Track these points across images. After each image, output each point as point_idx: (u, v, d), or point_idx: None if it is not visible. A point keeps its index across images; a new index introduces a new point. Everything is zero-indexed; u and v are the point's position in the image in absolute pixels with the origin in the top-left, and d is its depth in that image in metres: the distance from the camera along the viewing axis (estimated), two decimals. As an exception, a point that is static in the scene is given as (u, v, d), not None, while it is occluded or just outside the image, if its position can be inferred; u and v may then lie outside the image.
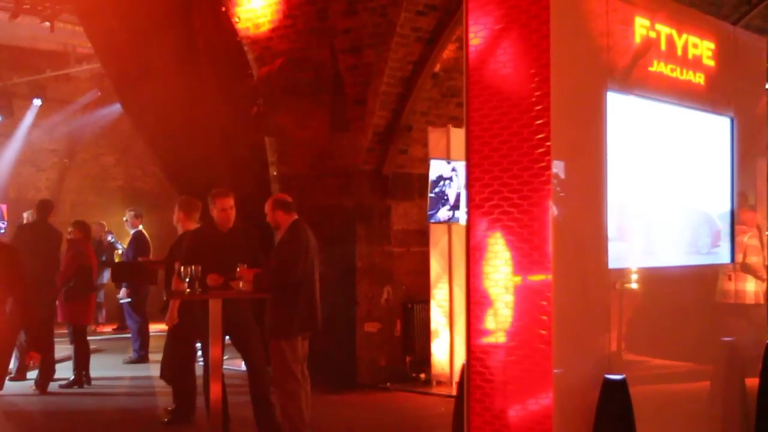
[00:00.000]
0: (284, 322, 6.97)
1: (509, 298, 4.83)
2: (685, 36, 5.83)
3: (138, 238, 12.36)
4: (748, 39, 6.75)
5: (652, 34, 5.56)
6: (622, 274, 5.26)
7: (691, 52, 5.91)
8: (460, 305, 8.99)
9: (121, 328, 14.90)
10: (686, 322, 5.88)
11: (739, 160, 6.43)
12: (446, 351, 9.76)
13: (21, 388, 9.91)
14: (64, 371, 10.28)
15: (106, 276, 14.50)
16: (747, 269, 7.30)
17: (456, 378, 6.63)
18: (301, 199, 7.97)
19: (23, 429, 8.55)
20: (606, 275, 5.12)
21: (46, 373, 9.94)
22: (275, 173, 10.77)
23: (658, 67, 5.62)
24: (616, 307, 5.22)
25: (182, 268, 6.85)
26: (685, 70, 5.86)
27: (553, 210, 4.72)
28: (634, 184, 5.43)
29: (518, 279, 4.81)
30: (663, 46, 5.65)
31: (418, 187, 10.39)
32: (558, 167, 4.75)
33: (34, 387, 9.87)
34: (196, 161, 10.97)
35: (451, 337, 9.65)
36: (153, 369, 11.07)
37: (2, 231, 15.60)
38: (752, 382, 6.36)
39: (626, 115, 5.33)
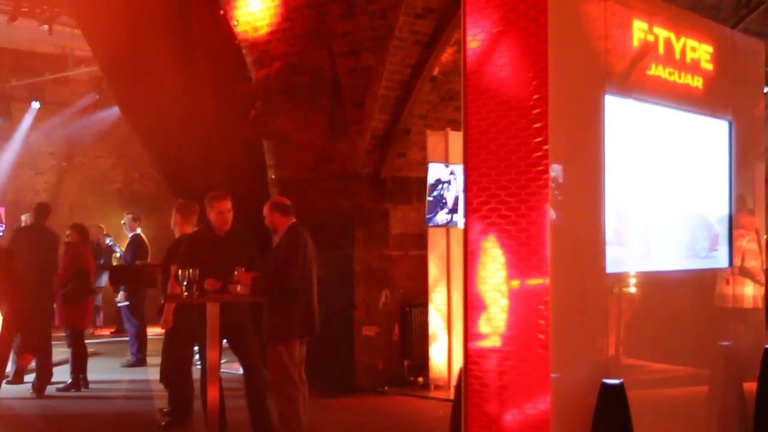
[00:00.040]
0: (282, 325, 6.96)
1: (507, 302, 4.83)
2: (683, 39, 5.83)
3: (136, 242, 12.35)
4: (746, 42, 6.75)
5: (650, 38, 5.56)
6: (619, 278, 5.25)
7: (689, 55, 5.91)
8: (459, 309, 8.97)
9: (119, 332, 14.87)
10: (684, 327, 5.87)
11: (737, 164, 6.42)
12: (444, 355, 9.74)
13: (18, 391, 9.89)
14: (62, 374, 10.26)
15: (104, 279, 14.48)
16: (745, 273, 7.29)
17: (454, 382, 6.62)
18: (300, 202, 7.94)
19: (20, 432, 8.55)
20: (604, 279, 5.11)
21: (44, 377, 9.93)
22: (273, 176, 10.76)
23: (656, 70, 5.62)
24: (614, 312, 5.21)
25: (180, 271, 6.84)
26: (683, 74, 5.85)
27: (551, 213, 4.71)
28: (632, 187, 5.43)
29: (516, 283, 4.80)
30: (661, 50, 5.65)
31: (416, 191, 10.38)
32: (556, 171, 4.74)
33: (31, 390, 9.85)
34: (194, 164, 10.96)
35: (449, 341, 9.64)
36: (151, 372, 11.05)
37: (0, 234, 15.59)
38: (750, 386, 6.35)
39: (624, 119, 5.33)
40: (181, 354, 8.25)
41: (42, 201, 12.75)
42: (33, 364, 10.17)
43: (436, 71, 10.02)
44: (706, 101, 6.09)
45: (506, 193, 4.84)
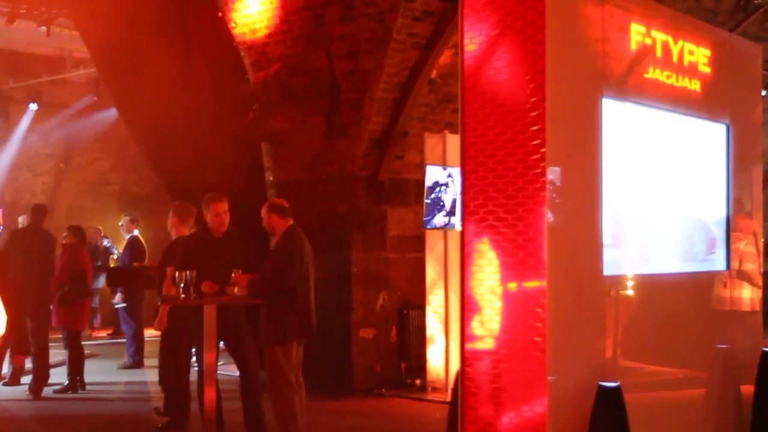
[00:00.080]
0: (279, 328, 6.96)
1: (503, 305, 4.82)
2: (680, 43, 5.84)
3: (133, 243, 12.34)
4: (743, 46, 6.76)
5: (648, 41, 5.56)
6: (617, 280, 5.25)
7: (687, 59, 5.91)
8: (456, 311, 8.94)
9: (117, 333, 14.86)
10: (681, 330, 5.87)
11: (734, 167, 6.43)
12: (442, 357, 9.74)
13: (15, 393, 9.88)
14: (59, 376, 10.25)
15: (102, 281, 14.47)
16: (743, 276, 7.29)
17: (451, 384, 6.61)
18: (297, 204, 7.94)
19: (17, 434, 8.54)
20: (601, 282, 5.11)
21: (41, 378, 9.92)
22: (271, 178, 10.76)
23: (654, 73, 5.63)
24: (611, 314, 5.21)
25: (177, 273, 6.83)
26: (680, 77, 5.86)
27: (548, 216, 4.71)
28: (630, 190, 5.43)
29: (513, 286, 4.80)
30: (659, 53, 5.66)
31: (414, 193, 10.38)
32: (553, 174, 4.74)
33: (28, 392, 9.84)
34: (192, 166, 10.94)
35: (447, 343, 9.64)
36: (148, 374, 11.05)
37: (-2, 235, 15.58)
38: (748, 389, 6.36)
39: (622, 122, 5.33)
40: (178, 356, 8.24)
41: (39, 202, 12.72)
42: (29, 366, 10.16)
43: (434, 74, 10.02)
44: (703, 104, 6.10)
45: (503, 196, 4.84)
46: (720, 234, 6.36)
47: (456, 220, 9.37)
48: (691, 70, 5.95)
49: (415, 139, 10.23)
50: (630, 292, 5.35)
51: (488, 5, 4.92)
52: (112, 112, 15.30)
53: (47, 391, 9.93)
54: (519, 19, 4.80)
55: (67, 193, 18.21)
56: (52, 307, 10.07)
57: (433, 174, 9.47)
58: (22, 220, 11.89)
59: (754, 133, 6.89)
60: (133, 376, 11.33)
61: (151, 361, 10.71)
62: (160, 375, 8.95)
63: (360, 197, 10.16)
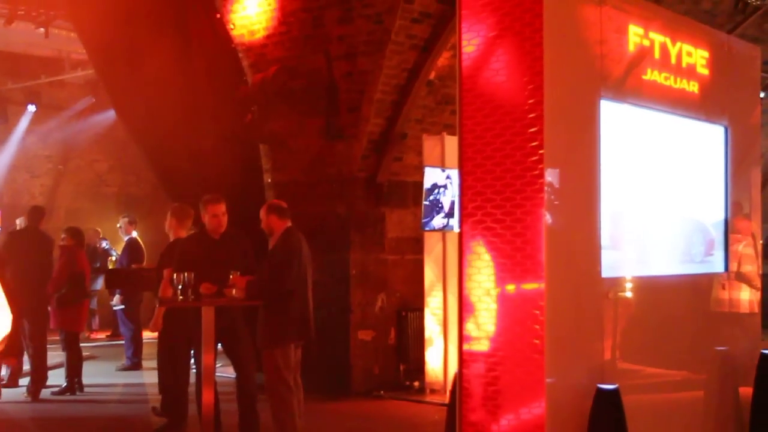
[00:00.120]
0: (277, 330, 6.95)
1: (501, 307, 4.82)
2: (679, 44, 5.83)
3: (132, 245, 12.33)
4: (742, 48, 6.76)
5: (646, 43, 5.56)
6: (615, 282, 5.25)
7: (685, 60, 5.91)
8: (455, 313, 8.89)
9: (115, 335, 14.86)
10: (680, 332, 5.86)
11: (733, 169, 6.43)
12: (440, 359, 9.73)
13: (13, 395, 9.86)
14: (57, 378, 10.23)
15: (100, 282, 14.46)
16: (742, 278, 7.29)
17: (449, 386, 6.60)
18: (296, 206, 7.93)
19: (15, 436, 8.53)
20: (599, 284, 5.11)
21: (38, 380, 9.90)
22: (269, 180, 10.75)
23: (652, 75, 5.63)
24: (610, 316, 5.20)
25: (175, 275, 6.83)
26: (679, 79, 5.86)
27: (547, 218, 4.71)
28: (628, 192, 5.43)
29: (511, 287, 4.80)
30: (657, 55, 5.66)
31: (412, 195, 10.38)
32: (551, 175, 4.74)
33: (26, 394, 9.83)
34: (190, 168, 10.94)
35: (445, 345, 9.63)
36: (146, 376, 11.03)
37: (-4, 237, 15.54)
38: (746, 391, 6.35)
39: (620, 124, 5.33)
40: (177, 359, 8.23)
41: (37, 204, 12.71)
42: (27, 368, 10.15)
43: (432, 75, 10.01)
44: (702, 106, 6.09)
45: (502, 198, 4.83)
46: (718, 236, 6.36)
47: (454, 222, 9.36)
48: (690, 72, 5.95)
49: (413, 140, 10.22)
50: (628, 294, 5.35)
51: (486, 7, 4.91)
52: (110, 114, 15.29)
53: (45, 393, 9.91)
54: (517, 20, 4.80)
55: (65, 195, 18.20)
56: (50, 309, 10.06)
57: (431, 176, 9.46)
58: (20, 222, 11.89)
59: (753, 135, 6.89)
60: (132, 378, 11.32)
61: (150, 363, 10.69)
62: (159, 378, 8.93)
63: (358, 199, 10.15)
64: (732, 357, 6.33)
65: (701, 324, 6.18)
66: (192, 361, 8.29)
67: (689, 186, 6.06)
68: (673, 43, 5.79)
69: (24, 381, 10.12)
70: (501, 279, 4.82)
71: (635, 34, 5.47)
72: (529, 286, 4.72)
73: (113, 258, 14.74)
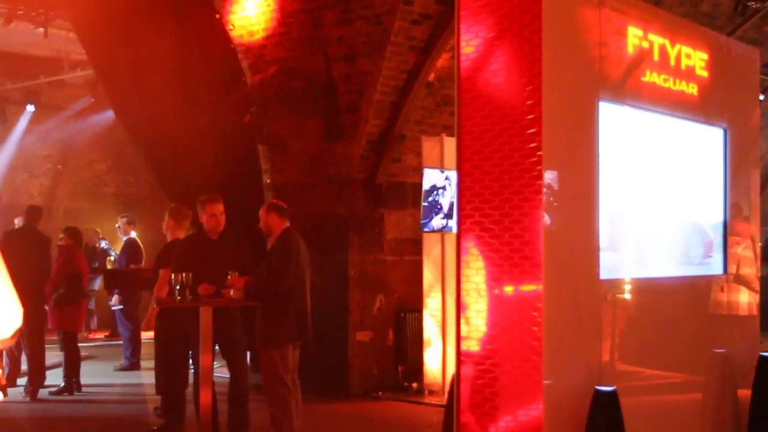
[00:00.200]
0: (275, 330, 6.94)
1: (499, 308, 4.81)
2: (678, 46, 5.83)
3: (130, 245, 12.32)
4: (741, 50, 6.76)
5: (645, 44, 5.55)
6: (613, 284, 5.25)
7: (684, 62, 5.91)
8: (453, 314, 8.92)
9: (113, 335, 14.85)
10: (678, 334, 5.86)
11: (732, 171, 6.42)
12: (438, 360, 9.72)
13: (11, 394, 9.84)
14: (55, 378, 10.23)
15: (99, 283, 14.44)
16: (741, 280, 7.28)
17: (448, 387, 6.59)
18: (294, 207, 7.92)
19: (12, 436, 8.52)
20: (597, 286, 5.10)
21: (36, 380, 9.89)
22: (268, 181, 10.74)
23: (651, 77, 5.62)
24: (608, 318, 5.20)
25: (173, 275, 6.82)
26: (678, 81, 5.86)
27: (545, 220, 4.70)
28: (627, 194, 5.42)
29: (509, 289, 4.79)
30: (656, 57, 5.65)
31: (411, 196, 10.37)
32: (550, 177, 4.73)
33: (24, 394, 9.82)
34: (189, 168, 10.94)
35: (444, 346, 9.62)
36: (144, 376, 11.02)
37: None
38: (745, 393, 6.35)
39: (619, 125, 5.32)
40: (174, 359, 8.22)
41: (33, 204, 12.68)
42: (25, 367, 10.14)
43: (431, 77, 10.01)
44: (701, 108, 6.09)
45: (500, 199, 4.83)
46: (717, 238, 6.36)
47: (453, 223, 9.34)
48: (689, 74, 5.95)
49: (412, 142, 10.22)
50: (627, 296, 5.35)
51: (485, 8, 4.91)
52: (109, 114, 15.28)
53: (43, 393, 9.90)
54: (515, 21, 4.80)
55: (64, 195, 18.20)
56: (47, 309, 10.04)
57: (430, 177, 9.45)
58: (18, 222, 11.87)
59: (752, 137, 6.89)
60: (130, 378, 11.31)
61: (148, 363, 10.68)
62: (157, 380, 8.92)
63: (357, 200, 10.15)
64: (730, 359, 6.33)
65: (700, 326, 6.17)
66: (190, 361, 8.29)
67: (688, 188, 6.06)
68: (673, 45, 5.79)
69: (22, 381, 10.11)
70: (499, 280, 4.82)
71: (634, 36, 5.46)
72: (527, 287, 4.72)
73: (112, 258, 14.75)
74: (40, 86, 16.42)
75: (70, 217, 16.79)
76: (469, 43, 4.95)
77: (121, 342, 12.58)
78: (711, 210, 6.32)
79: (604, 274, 5.12)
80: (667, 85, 5.75)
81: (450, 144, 9.40)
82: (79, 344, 10.41)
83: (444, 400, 8.29)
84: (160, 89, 10.87)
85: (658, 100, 5.68)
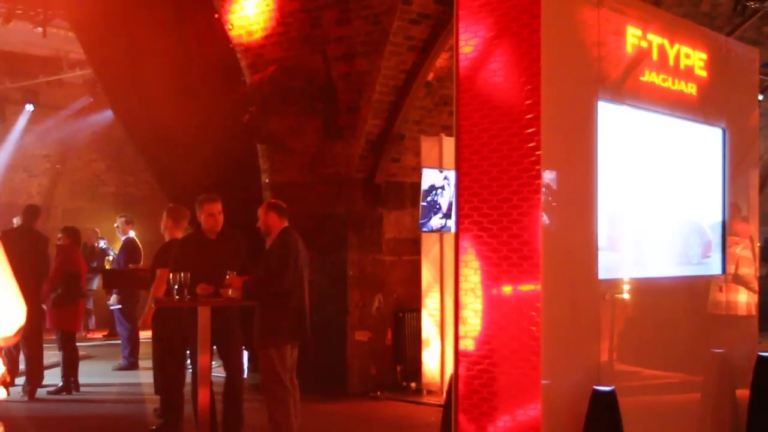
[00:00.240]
0: (273, 330, 6.94)
1: (498, 308, 4.81)
2: (677, 46, 5.83)
3: (129, 245, 12.31)
4: (740, 50, 6.76)
5: (644, 44, 5.55)
6: (612, 284, 5.24)
7: (683, 62, 5.91)
8: (452, 314, 8.93)
9: (112, 335, 14.84)
10: (677, 333, 5.86)
11: (731, 171, 6.42)
12: (437, 360, 9.72)
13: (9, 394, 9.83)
14: (53, 377, 10.22)
15: (97, 282, 14.43)
16: (739, 281, 7.28)
17: (446, 387, 6.59)
18: (293, 206, 7.91)
19: (10, 436, 8.49)
20: (596, 285, 5.10)
21: (34, 380, 9.89)
22: (267, 180, 10.74)
23: (650, 77, 5.62)
24: (606, 318, 5.20)
25: (171, 275, 6.82)
26: (677, 81, 5.85)
27: (544, 219, 4.70)
28: (625, 194, 5.42)
29: (507, 289, 4.79)
30: (655, 56, 5.65)
31: (410, 196, 10.37)
32: (548, 176, 4.73)
33: (22, 393, 9.81)
34: (188, 168, 10.93)
35: (442, 346, 9.61)
36: (143, 376, 11.02)
37: (-7, 237, 15.51)
38: (743, 393, 6.34)
39: (617, 125, 5.32)
40: (172, 359, 8.22)
41: (31, 203, 12.68)
42: (23, 367, 10.13)
43: (430, 77, 10.00)
44: (700, 108, 6.09)
45: (498, 198, 4.82)
46: (716, 238, 6.36)
47: (452, 223, 9.34)
48: (688, 74, 5.95)
49: (411, 141, 10.21)
50: (625, 296, 5.34)
51: (483, 8, 4.91)
52: (108, 114, 15.29)
53: (41, 393, 9.90)
54: (514, 21, 4.79)
55: (63, 194, 18.20)
56: (45, 308, 10.04)
57: (429, 177, 9.45)
58: (16, 221, 11.86)
59: (751, 137, 6.88)
60: (128, 377, 11.30)
61: (146, 362, 10.68)
62: (155, 379, 8.91)
63: (356, 200, 10.15)
64: (729, 359, 6.33)
65: (698, 326, 6.17)
66: (188, 361, 8.29)
67: (687, 188, 6.06)
68: (672, 45, 5.78)
69: (20, 380, 10.10)
70: (497, 280, 4.81)
71: (633, 36, 5.46)
72: (526, 287, 4.71)
73: (110, 258, 14.73)
74: (39, 86, 16.42)
75: (68, 216, 16.79)
76: (468, 43, 4.95)
77: (119, 341, 12.57)
78: (710, 210, 6.32)
79: (603, 273, 5.12)
80: (666, 85, 5.75)
81: (449, 144, 9.39)
82: (77, 344, 10.41)
83: (442, 399, 8.30)
84: (159, 89, 10.86)
85: (657, 99, 5.68)
